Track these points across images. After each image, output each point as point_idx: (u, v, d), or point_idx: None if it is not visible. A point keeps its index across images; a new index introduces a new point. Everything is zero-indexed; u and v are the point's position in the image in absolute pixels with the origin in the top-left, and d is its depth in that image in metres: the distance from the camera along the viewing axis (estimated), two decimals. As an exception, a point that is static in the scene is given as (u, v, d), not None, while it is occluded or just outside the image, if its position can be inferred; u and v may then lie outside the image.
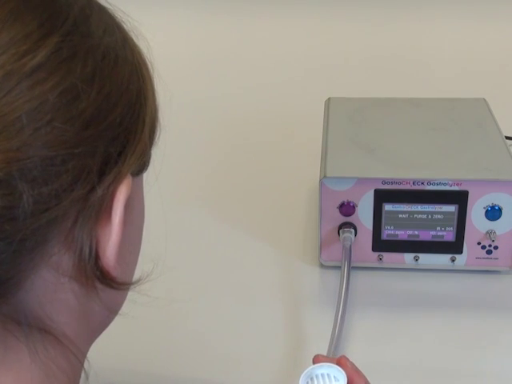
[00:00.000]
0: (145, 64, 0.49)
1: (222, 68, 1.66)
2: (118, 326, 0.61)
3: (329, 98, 1.11)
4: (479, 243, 0.89)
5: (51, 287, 0.43)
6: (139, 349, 0.74)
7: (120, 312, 0.53)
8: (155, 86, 0.51)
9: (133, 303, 0.56)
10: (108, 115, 0.43)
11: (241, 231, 1.04)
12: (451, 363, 0.79)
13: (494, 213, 0.87)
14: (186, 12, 1.81)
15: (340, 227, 0.90)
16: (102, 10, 0.47)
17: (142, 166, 0.49)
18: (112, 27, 0.46)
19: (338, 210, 0.89)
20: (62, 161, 0.40)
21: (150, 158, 0.51)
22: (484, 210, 0.87)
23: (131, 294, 0.59)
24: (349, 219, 0.90)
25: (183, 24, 1.80)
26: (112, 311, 0.51)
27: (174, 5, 1.81)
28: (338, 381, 0.57)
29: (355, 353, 0.80)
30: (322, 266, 0.94)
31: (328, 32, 1.76)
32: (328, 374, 0.58)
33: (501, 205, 0.87)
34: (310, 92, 1.45)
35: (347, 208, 0.89)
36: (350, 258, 0.87)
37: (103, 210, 0.44)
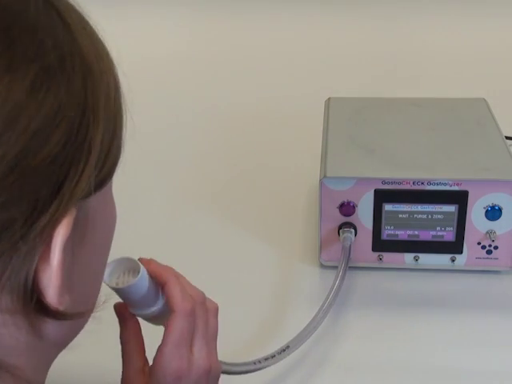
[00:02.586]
0: (97, 72, 0.42)
1: (221, 68, 1.66)
2: (116, 327, 0.62)
3: (329, 98, 1.11)
4: (479, 243, 0.89)
5: None
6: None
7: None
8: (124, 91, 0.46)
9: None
10: (36, 155, 0.37)
11: (240, 231, 1.04)
12: (451, 363, 0.79)
13: (493, 213, 0.87)
14: (186, 12, 1.81)
15: (340, 227, 0.90)
16: (45, 13, 0.40)
17: (103, 180, 0.44)
18: (47, 45, 0.39)
19: (337, 209, 0.89)
20: None
21: (115, 164, 0.45)
22: (484, 210, 0.87)
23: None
24: (349, 219, 0.89)
25: (182, 24, 1.80)
26: (69, 336, 0.49)
27: (174, 5, 1.80)
28: (140, 271, 0.57)
29: (355, 352, 0.81)
30: (322, 266, 0.93)
31: (328, 32, 1.75)
32: (132, 270, 0.57)
33: (501, 205, 0.87)
34: (310, 92, 1.45)
35: (347, 208, 0.89)
36: (348, 258, 0.87)
37: (41, 251, 0.40)
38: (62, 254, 0.40)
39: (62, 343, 0.49)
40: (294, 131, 1.33)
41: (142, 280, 0.57)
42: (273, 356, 0.74)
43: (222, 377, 0.64)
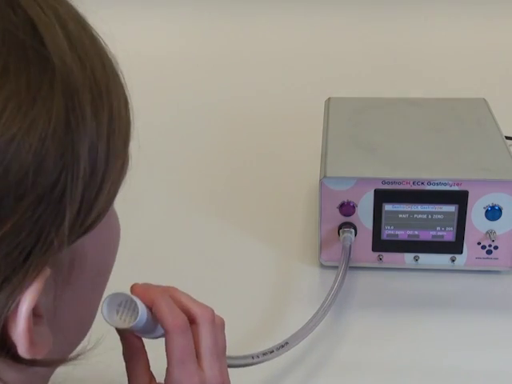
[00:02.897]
0: (84, 104, 0.37)
1: (221, 68, 1.66)
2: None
3: (329, 98, 1.11)
4: (479, 243, 0.89)
5: None
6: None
7: None
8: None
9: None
10: (2, 224, 0.34)
11: (240, 231, 1.04)
12: (451, 363, 0.79)
13: (493, 213, 0.87)
14: (185, 12, 1.81)
15: (340, 227, 0.90)
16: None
17: (91, 224, 0.40)
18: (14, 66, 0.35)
19: (337, 209, 0.89)
20: None
21: (108, 205, 0.42)
22: (484, 210, 0.87)
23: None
24: (349, 219, 0.89)
25: (181, 24, 1.80)
26: (60, 359, 0.47)
27: (173, 4, 1.80)
28: (133, 302, 0.56)
29: (354, 352, 0.81)
30: (322, 266, 0.93)
31: (328, 32, 1.75)
32: (131, 300, 0.56)
33: (501, 205, 0.87)
34: (310, 92, 1.45)
35: (347, 208, 0.89)
36: (348, 258, 0.87)
37: (10, 312, 0.37)
38: (28, 322, 0.38)
39: (57, 366, 0.47)
40: (294, 131, 1.33)
41: (143, 312, 0.56)
42: (271, 351, 0.74)
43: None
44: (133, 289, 0.58)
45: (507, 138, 1.00)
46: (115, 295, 0.56)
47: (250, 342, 0.82)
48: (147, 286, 0.58)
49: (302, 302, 0.89)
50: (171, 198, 1.13)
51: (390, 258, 0.92)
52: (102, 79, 0.39)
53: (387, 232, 0.90)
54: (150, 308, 0.57)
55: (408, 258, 0.92)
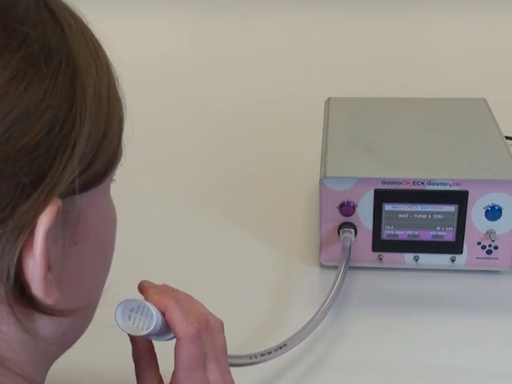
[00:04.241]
0: (85, 70, 0.43)
1: (221, 68, 1.66)
2: (115, 328, 0.61)
3: (329, 98, 1.11)
4: (479, 243, 0.89)
5: None
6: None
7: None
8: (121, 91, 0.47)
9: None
10: (18, 141, 0.38)
11: (240, 231, 1.04)
12: (451, 363, 0.79)
13: (493, 213, 0.87)
14: (184, 12, 1.81)
15: (340, 227, 0.90)
16: (36, 12, 0.41)
17: (94, 178, 0.44)
18: (30, 36, 0.40)
19: (337, 209, 0.89)
20: None
21: (110, 166, 0.46)
22: (484, 210, 0.87)
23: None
24: (349, 219, 0.90)
25: (180, 24, 1.80)
26: (69, 336, 0.49)
27: (172, 5, 1.80)
28: (149, 310, 0.56)
29: (354, 352, 0.81)
30: (322, 266, 0.93)
31: (328, 32, 1.75)
32: (143, 306, 0.56)
33: (501, 205, 0.87)
34: (310, 92, 1.45)
35: (347, 208, 0.89)
36: (348, 258, 0.87)
37: (25, 240, 0.40)
38: (45, 244, 0.40)
39: (63, 342, 0.48)
40: (294, 131, 1.33)
41: (158, 319, 0.56)
42: (269, 352, 0.74)
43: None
44: (144, 291, 0.58)
45: (507, 137, 1.00)
46: (128, 301, 0.56)
47: (250, 342, 0.82)
48: (161, 291, 0.58)
49: (302, 302, 0.89)
50: (171, 198, 1.13)
51: (389, 258, 0.92)
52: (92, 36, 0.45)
53: (387, 232, 0.90)
54: (162, 313, 0.57)
55: (408, 258, 0.92)
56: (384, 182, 0.87)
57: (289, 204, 1.10)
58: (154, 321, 0.55)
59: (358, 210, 0.89)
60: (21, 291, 0.41)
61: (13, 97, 0.38)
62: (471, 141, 0.96)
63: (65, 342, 0.49)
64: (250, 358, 0.72)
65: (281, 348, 0.75)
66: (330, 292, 0.83)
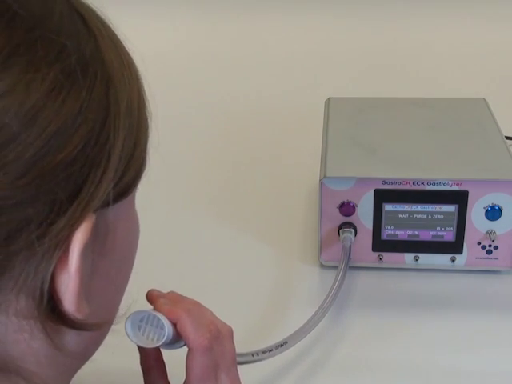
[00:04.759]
0: (119, 84, 0.42)
1: (221, 68, 1.66)
2: (118, 329, 0.61)
3: (329, 98, 1.11)
4: (479, 243, 0.89)
5: (10, 328, 0.41)
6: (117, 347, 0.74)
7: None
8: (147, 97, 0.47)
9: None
10: (55, 156, 0.37)
11: (240, 231, 1.04)
12: (451, 363, 0.79)
13: (493, 213, 0.87)
14: (185, 10, 1.81)
15: (340, 227, 0.90)
16: (69, 21, 0.40)
17: (123, 190, 0.44)
18: (67, 47, 0.39)
19: (337, 209, 0.89)
20: None
21: (138, 176, 0.46)
22: (484, 210, 0.87)
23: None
24: (349, 219, 0.89)
25: (181, 23, 1.80)
26: (90, 349, 0.49)
27: (173, 3, 1.80)
28: (160, 321, 0.56)
29: (354, 352, 0.81)
30: (322, 266, 0.93)
31: (328, 32, 1.75)
32: (153, 316, 0.56)
33: (501, 205, 0.87)
34: (309, 92, 1.45)
35: (347, 208, 0.89)
36: (348, 258, 0.87)
37: (59, 256, 0.39)
38: (80, 260, 0.40)
39: (84, 356, 0.48)
40: (294, 131, 1.33)
41: (169, 331, 0.56)
42: (270, 350, 0.74)
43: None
44: (154, 302, 0.58)
45: (507, 137, 1.00)
46: (137, 312, 0.56)
47: (250, 341, 0.82)
48: (171, 301, 0.58)
49: (302, 302, 0.89)
50: (171, 198, 1.13)
51: (389, 258, 0.92)
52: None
53: (387, 232, 0.90)
54: (173, 324, 0.57)
55: (408, 257, 0.92)
56: (384, 182, 0.87)
57: (289, 204, 1.10)
58: (165, 332, 0.56)
59: (358, 210, 0.89)
60: (51, 307, 0.41)
61: (51, 110, 0.37)
62: (471, 141, 0.96)
63: (87, 355, 0.49)
64: (252, 355, 0.72)
65: (282, 345, 0.75)
66: (330, 291, 0.83)
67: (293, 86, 1.55)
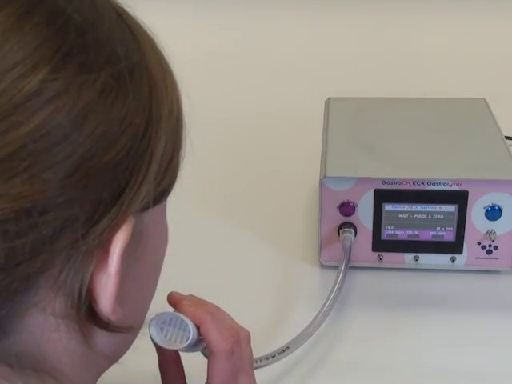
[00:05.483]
0: (162, 89, 0.44)
1: (221, 67, 1.66)
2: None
3: (329, 98, 1.11)
4: (479, 243, 0.89)
5: (47, 327, 0.41)
6: (136, 350, 0.74)
7: None
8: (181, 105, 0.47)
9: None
10: (102, 158, 0.38)
11: (240, 231, 1.04)
12: (451, 363, 0.79)
13: (494, 213, 0.87)
14: (185, 12, 1.81)
15: (340, 227, 0.90)
16: (114, 30, 0.41)
17: (160, 195, 0.45)
18: (117, 52, 0.40)
19: (338, 209, 0.89)
20: (40, 212, 0.36)
21: (172, 182, 0.47)
22: (484, 210, 0.87)
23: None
24: (349, 219, 0.89)
25: (180, 23, 1.80)
26: (120, 351, 0.49)
27: (174, 4, 1.80)
28: (187, 325, 0.56)
29: (355, 352, 0.81)
30: (322, 266, 0.93)
31: (328, 32, 1.75)
32: (176, 318, 0.57)
33: (501, 205, 0.87)
34: (310, 92, 1.45)
35: (347, 208, 0.89)
36: (348, 258, 0.87)
37: (98, 257, 0.40)
38: (120, 262, 0.40)
39: (114, 357, 0.49)
40: (294, 131, 1.33)
41: (194, 333, 0.57)
42: (273, 356, 0.75)
43: (205, 373, 0.63)
44: (178, 304, 0.59)
45: (507, 137, 1.00)
46: (161, 314, 0.56)
47: (251, 342, 0.82)
48: (195, 304, 0.59)
49: (302, 302, 0.89)
50: (170, 199, 1.13)
51: (389, 258, 0.92)
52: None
53: (387, 232, 0.90)
54: (197, 327, 0.57)
55: (408, 258, 0.92)
56: (384, 182, 0.87)
57: (289, 204, 1.10)
58: (190, 335, 0.56)
59: (358, 210, 0.89)
60: (86, 306, 0.41)
61: (100, 112, 0.38)
62: (471, 141, 0.96)
63: (116, 357, 0.49)
64: (256, 362, 0.73)
65: (284, 351, 0.76)
66: (331, 293, 0.83)
67: (293, 85, 1.55)
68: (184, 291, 0.61)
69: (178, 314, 0.57)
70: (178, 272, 0.92)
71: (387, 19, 1.78)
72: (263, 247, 1.00)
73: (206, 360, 0.60)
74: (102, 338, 0.45)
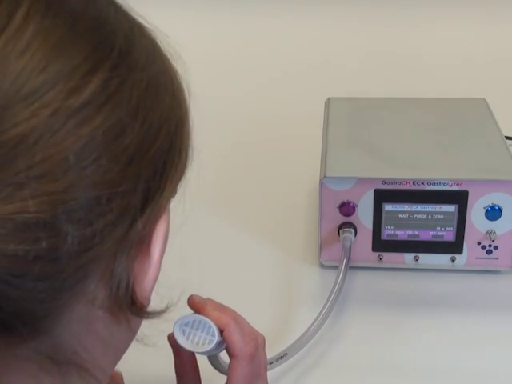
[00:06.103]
0: (182, 88, 0.48)
1: (221, 67, 1.66)
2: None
3: (329, 98, 1.11)
4: (479, 243, 0.89)
5: (87, 320, 0.42)
6: (135, 350, 0.74)
7: None
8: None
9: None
10: (149, 149, 0.41)
11: (240, 231, 1.04)
12: (451, 363, 0.79)
13: (494, 213, 0.87)
14: (185, 11, 1.81)
15: (340, 227, 0.90)
16: (143, 35, 0.45)
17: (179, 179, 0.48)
18: (153, 54, 0.45)
19: (338, 209, 0.89)
20: (107, 200, 0.38)
21: (183, 175, 0.50)
22: (484, 210, 0.87)
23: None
24: (349, 219, 0.89)
25: (182, 23, 1.80)
26: (134, 337, 0.50)
27: (173, 4, 1.80)
28: (211, 327, 0.57)
29: (355, 352, 0.81)
30: (322, 266, 0.93)
31: (328, 31, 1.75)
32: (199, 321, 0.57)
33: (501, 205, 0.87)
34: (310, 92, 1.45)
35: (347, 208, 0.89)
36: (348, 258, 0.87)
37: (142, 246, 0.43)
38: (162, 249, 0.43)
39: (128, 344, 0.49)
40: (294, 131, 1.33)
41: (218, 337, 0.57)
42: (271, 362, 0.75)
43: (220, 376, 0.64)
44: (202, 308, 0.59)
45: (507, 137, 1.00)
46: (185, 317, 0.57)
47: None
48: (219, 308, 0.60)
49: (302, 303, 0.89)
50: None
51: (389, 258, 0.92)
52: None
53: (387, 232, 0.90)
54: (220, 330, 0.58)
55: (408, 257, 0.92)
56: (384, 181, 0.87)
57: (289, 204, 1.10)
58: (215, 338, 0.56)
59: (358, 210, 0.89)
60: (129, 294, 0.43)
61: (146, 108, 0.41)
62: (471, 141, 0.96)
63: (129, 343, 0.50)
64: None
65: (282, 357, 0.76)
66: (331, 294, 0.82)
67: (293, 85, 1.55)
68: (184, 291, 0.61)
69: (202, 317, 0.57)
70: (177, 271, 0.92)
71: (387, 19, 1.78)
72: (263, 247, 1.00)
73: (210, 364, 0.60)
74: (135, 326, 0.47)
